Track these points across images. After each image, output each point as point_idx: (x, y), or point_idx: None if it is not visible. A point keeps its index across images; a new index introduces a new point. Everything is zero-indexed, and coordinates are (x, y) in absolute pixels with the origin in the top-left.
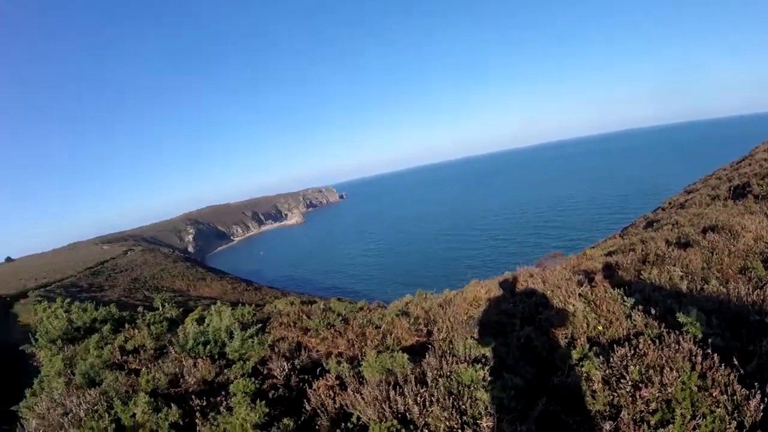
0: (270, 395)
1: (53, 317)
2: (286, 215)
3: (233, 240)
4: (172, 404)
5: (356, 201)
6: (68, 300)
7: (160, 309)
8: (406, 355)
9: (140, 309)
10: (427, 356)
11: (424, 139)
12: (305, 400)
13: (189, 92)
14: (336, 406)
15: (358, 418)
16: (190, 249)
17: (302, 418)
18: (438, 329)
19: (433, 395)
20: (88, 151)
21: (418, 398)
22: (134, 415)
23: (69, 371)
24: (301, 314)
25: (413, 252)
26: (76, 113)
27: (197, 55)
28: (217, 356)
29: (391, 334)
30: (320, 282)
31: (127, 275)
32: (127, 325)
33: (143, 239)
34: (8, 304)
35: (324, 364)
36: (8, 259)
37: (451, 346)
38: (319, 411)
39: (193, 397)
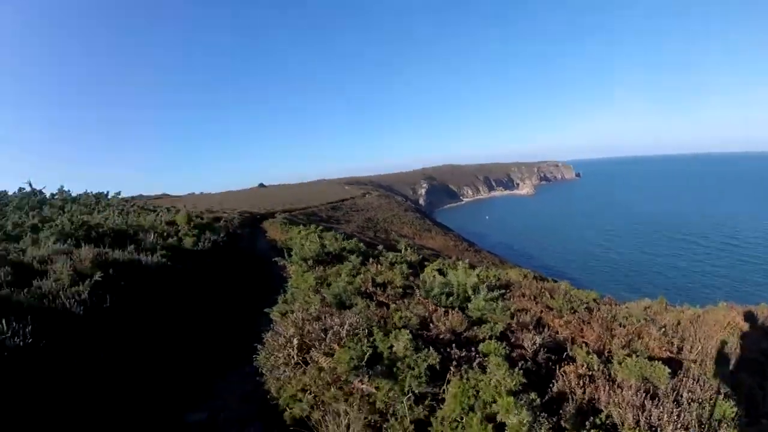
0: (518, 365)
1: (306, 239)
2: (518, 184)
3: (462, 200)
4: (430, 347)
5: (591, 182)
6: (321, 228)
7: (402, 252)
8: (667, 369)
9: (380, 248)
10: (679, 374)
11: (670, 127)
12: (553, 381)
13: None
14: (585, 398)
15: (607, 417)
16: (421, 202)
17: (545, 397)
18: (690, 348)
19: (684, 418)
20: (345, 103)
21: (673, 416)
22: (391, 347)
23: (320, 289)
24: (543, 290)
25: (642, 252)
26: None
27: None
28: (457, 310)
29: (639, 338)
30: (537, 258)
31: (362, 215)
32: (371, 260)
33: (380, 186)
34: (258, 221)
35: (568, 350)
36: (261, 185)
37: (702, 370)
38: (567, 396)
39: (452, 345)
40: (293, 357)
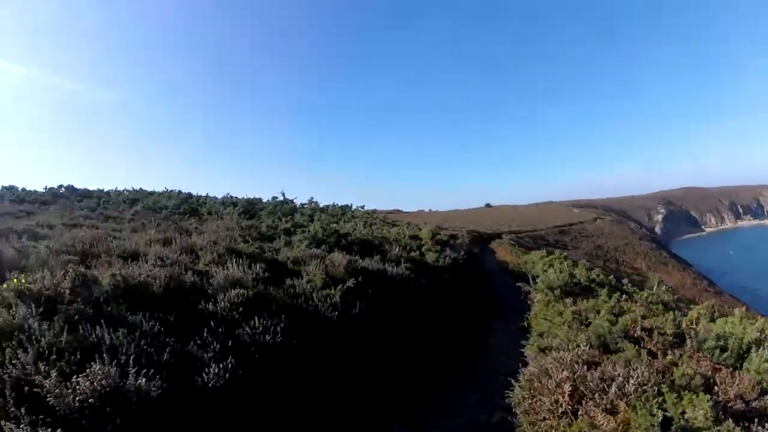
0: None
1: (549, 266)
2: None
3: (704, 230)
4: (729, 418)
5: None
6: (564, 254)
7: (655, 288)
8: None
9: (625, 281)
10: None
11: None
12: None
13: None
14: None
15: None
16: (657, 229)
17: None
18: None
19: None
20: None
21: None
22: (683, 413)
23: (577, 325)
24: None
25: None
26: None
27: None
28: (739, 371)
29: None
30: None
31: (592, 241)
32: (624, 296)
33: (612, 210)
34: (485, 240)
35: None
36: (487, 205)
37: None
38: None
39: (754, 420)
40: (561, 404)
